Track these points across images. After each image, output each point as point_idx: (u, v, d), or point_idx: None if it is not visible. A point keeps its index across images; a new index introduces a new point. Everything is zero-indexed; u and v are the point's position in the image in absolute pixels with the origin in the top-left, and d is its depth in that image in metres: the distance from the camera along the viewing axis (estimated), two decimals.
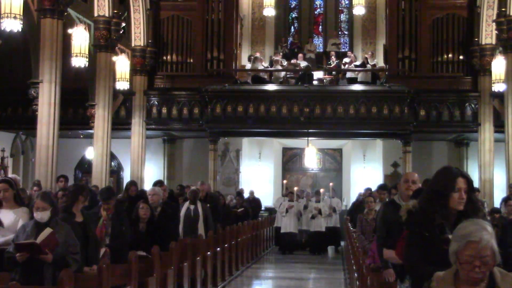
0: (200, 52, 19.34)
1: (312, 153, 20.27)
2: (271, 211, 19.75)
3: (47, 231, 5.21)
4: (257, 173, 21.90)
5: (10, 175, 15.75)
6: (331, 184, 18.93)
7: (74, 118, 18.38)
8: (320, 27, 24.37)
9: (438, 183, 3.61)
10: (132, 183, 10.81)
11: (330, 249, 17.78)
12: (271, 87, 19.36)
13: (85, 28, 13.93)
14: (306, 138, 19.49)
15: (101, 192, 7.75)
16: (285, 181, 20.30)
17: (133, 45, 18.62)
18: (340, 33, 23.95)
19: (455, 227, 3.38)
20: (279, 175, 22.35)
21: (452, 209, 3.48)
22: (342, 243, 17.52)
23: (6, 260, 5.31)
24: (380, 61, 20.96)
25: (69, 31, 13.67)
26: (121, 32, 16.31)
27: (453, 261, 2.72)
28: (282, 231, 17.18)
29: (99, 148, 15.64)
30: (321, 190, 17.95)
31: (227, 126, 19.01)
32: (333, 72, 20.69)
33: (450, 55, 18.94)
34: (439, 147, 21.15)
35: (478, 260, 2.63)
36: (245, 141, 22.03)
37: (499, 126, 17.04)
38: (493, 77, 16.68)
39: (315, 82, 19.86)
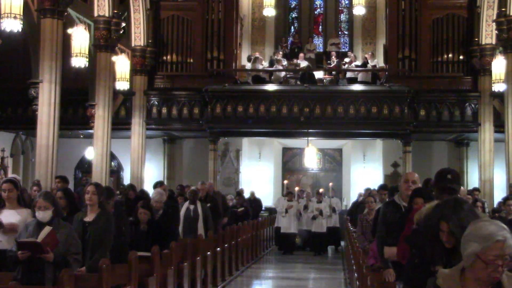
0: (200, 52, 19.34)
1: (312, 153, 20.27)
2: (271, 211, 19.75)
3: (47, 229, 5.22)
4: (257, 173, 21.90)
5: (10, 175, 15.76)
6: (330, 184, 18.90)
7: (74, 118, 18.37)
8: (320, 27, 24.37)
9: (428, 220, 3.60)
10: (130, 187, 10.79)
11: (330, 249, 17.76)
12: (271, 87, 19.36)
13: (85, 28, 13.92)
14: (306, 138, 19.50)
15: None
16: (286, 181, 20.29)
17: (133, 45, 18.61)
18: (340, 33, 23.95)
19: (446, 260, 3.39)
20: (279, 175, 22.36)
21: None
22: (342, 243, 17.48)
23: (8, 259, 5.32)
24: (380, 61, 20.96)
25: (69, 31, 13.67)
26: (121, 32, 16.30)
27: (469, 262, 2.69)
28: (282, 231, 17.14)
29: (99, 148, 15.63)
30: (321, 190, 17.87)
31: (227, 126, 19.02)
32: (333, 72, 20.70)
33: (450, 55, 18.94)
34: (439, 147, 21.15)
35: (501, 259, 2.63)
36: (245, 141, 22.03)
37: (499, 126, 17.04)
38: (493, 77, 16.68)
39: (317, 82, 19.87)
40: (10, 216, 6.09)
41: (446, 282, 2.75)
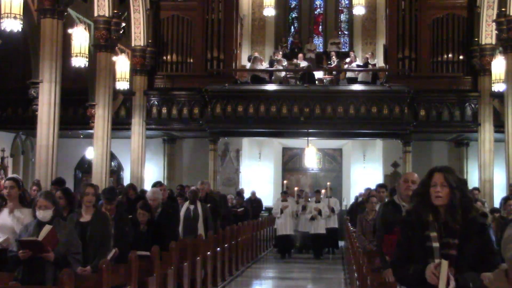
0: (200, 52, 19.34)
1: (312, 153, 20.26)
2: (271, 211, 19.70)
3: (48, 227, 5.23)
4: (257, 173, 21.90)
5: (10, 175, 15.75)
6: (328, 183, 18.70)
7: (74, 118, 18.37)
8: (320, 27, 24.39)
9: (420, 183, 3.66)
10: (131, 187, 10.77)
11: (330, 251, 17.46)
12: (271, 87, 19.37)
13: (85, 28, 13.92)
14: (306, 138, 19.50)
15: (104, 192, 7.70)
16: (285, 181, 20.24)
17: (133, 45, 18.61)
18: (340, 33, 23.96)
19: (446, 225, 3.39)
20: (279, 175, 22.36)
21: (439, 207, 3.46)
22: (342, 244, 17.27)
23: (9, 259, 5.32)
24: (380, 61, 20.97)
25: (69, 31, 13.68)
26: (121, 32, 16.30)
27: (510, 266, 2.77)
28: (279, 233, 16.54)
29: (99, 148, 15.62)
30: (323, 191, 17.59)
31: (227, 126, 19.02)
32: (333, 72, 20.70)
33: (450, 55, 18.95)
34: (439, 147, 21.16)
35: None
36: (245, 141, 22.04)
37: (499, 126, 17.04)
38: (493, 77, 16.69)
39: (316, 82, 19.86)
40: (7, 218, 6.07)
41: (494, 284, 2.78)
